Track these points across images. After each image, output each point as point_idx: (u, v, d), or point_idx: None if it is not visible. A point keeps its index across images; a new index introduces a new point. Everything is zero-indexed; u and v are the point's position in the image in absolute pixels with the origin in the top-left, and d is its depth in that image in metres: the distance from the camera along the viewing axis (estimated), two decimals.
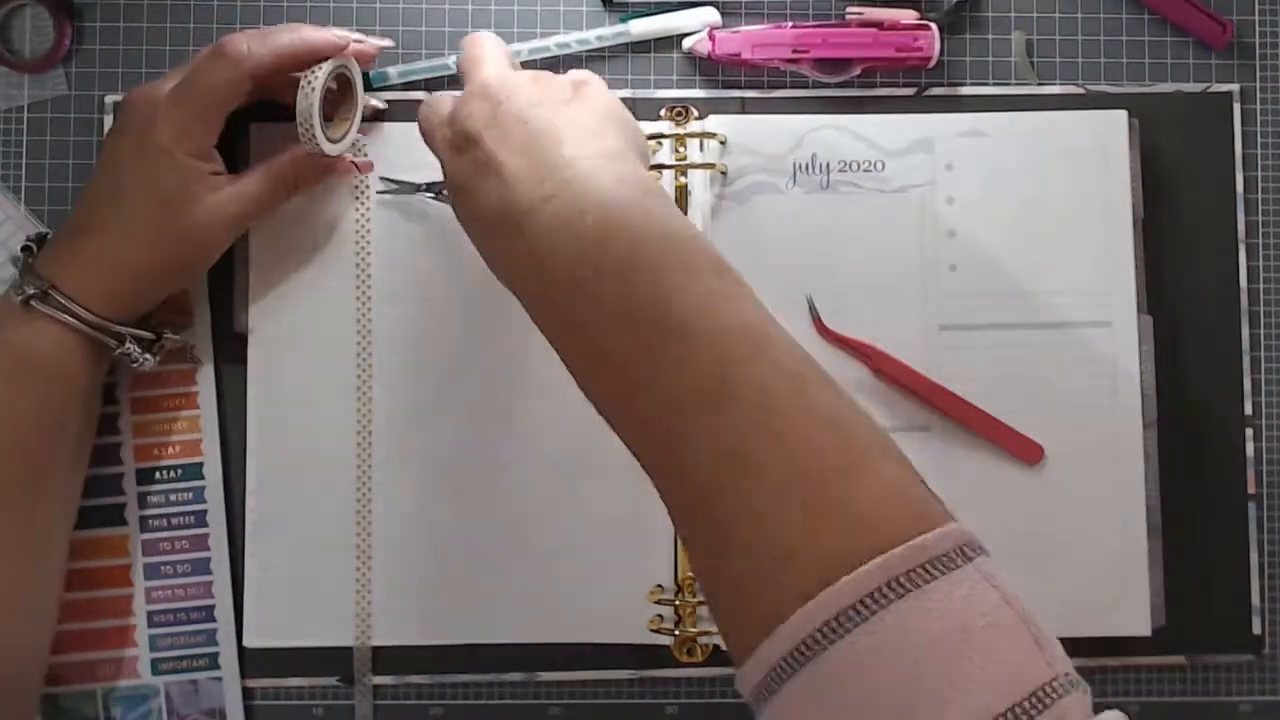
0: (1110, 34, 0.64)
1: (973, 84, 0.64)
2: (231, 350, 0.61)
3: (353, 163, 0.61)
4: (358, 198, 0.62)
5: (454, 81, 0.63)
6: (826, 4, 0.64)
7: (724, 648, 0.60)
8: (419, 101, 0.62)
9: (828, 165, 0.62)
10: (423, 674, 0.61)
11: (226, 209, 0.56)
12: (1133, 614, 0.61)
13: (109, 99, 0.62)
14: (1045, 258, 0.62)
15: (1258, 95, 0.64)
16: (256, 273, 0.61)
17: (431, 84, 0.63)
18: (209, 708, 0.60)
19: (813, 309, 0.61)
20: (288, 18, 0.63)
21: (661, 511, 0.61)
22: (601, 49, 0.63)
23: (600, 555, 0.61)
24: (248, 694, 0.61)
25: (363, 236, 0.61)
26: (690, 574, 0.61)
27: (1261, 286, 0.64)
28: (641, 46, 0.64)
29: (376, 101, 0.62)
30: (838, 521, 0.39)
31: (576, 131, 0.47)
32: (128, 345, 0.56)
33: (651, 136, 0.61)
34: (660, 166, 0.61)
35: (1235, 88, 0.64)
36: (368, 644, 0.60)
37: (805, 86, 0.64)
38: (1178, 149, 0.64)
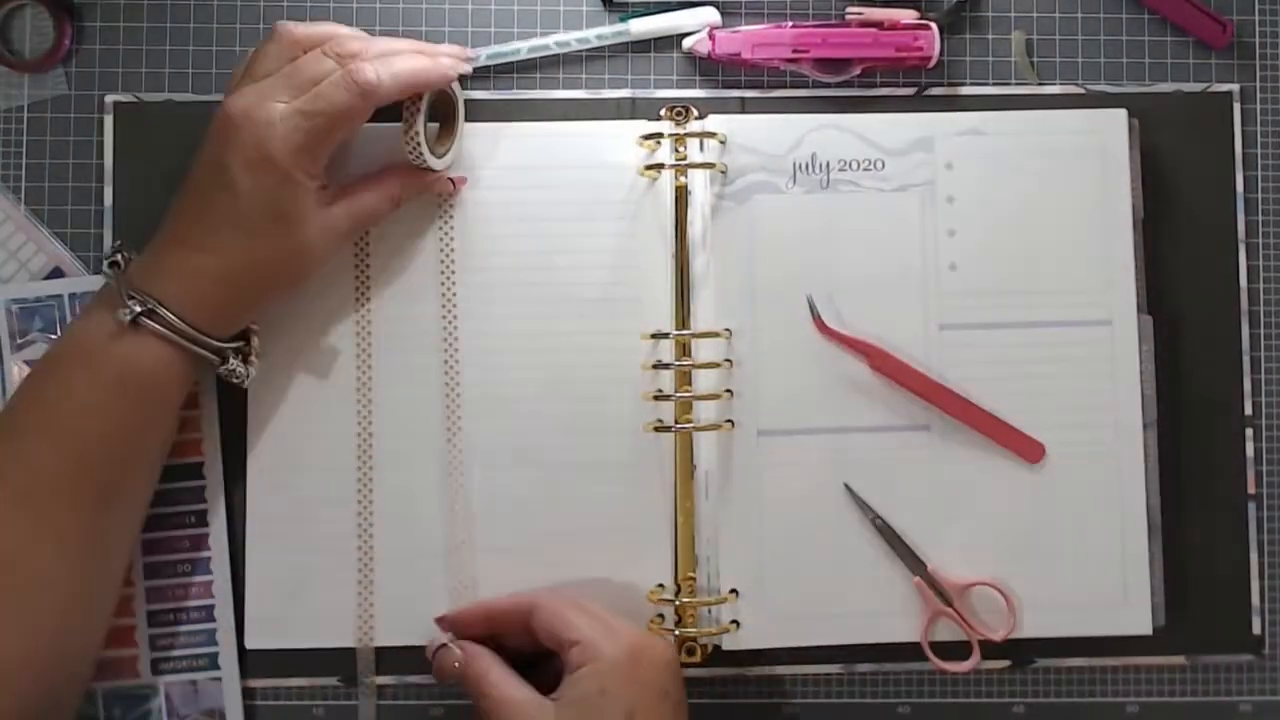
0: (1110, 34, 0.65)
1: (973, 84, 0.64)
2: None
3: (449, 179, 0.61)
4: None
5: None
6: (826, 4, 0.64)
7: (724, 647, 0.60)
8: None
9: (828, 164, 0.62)
10: (423, 674, 0.61)
11: (339, 226, 0.57)
12: (1133, 614, 0.61)
13: (109, 99, 0.62)
14: (1045, 257, 0.62)
15: (1258, 95, 0.65)
16: None
17: None
18: (209, 708, 0.60)
19: (813, 308, 0.61)
20: (287, 17, 0.63)
21: (661, 511, 0.61)
22: (601, 48, 0.63)
23: (600, 555, 0.61)
24: (248, 694, 0.61)
25: (363, 237, 0.61)
26: (690, 574, 0.61)
27: (1261, 286, 0.64)
28: (641, 46, 0.64)
29: None
30: None
31: None
32: (231, 363, 0.56)
33: (651, 136, 0.61)
34: (660, 166, 0.61)
35: (1235, 88, 0.64)
36: (370, 644, 0.60)
37: (805, 86, 0.64)
38: (1178, 149, 0.64)
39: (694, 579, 0.61)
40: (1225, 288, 0.64)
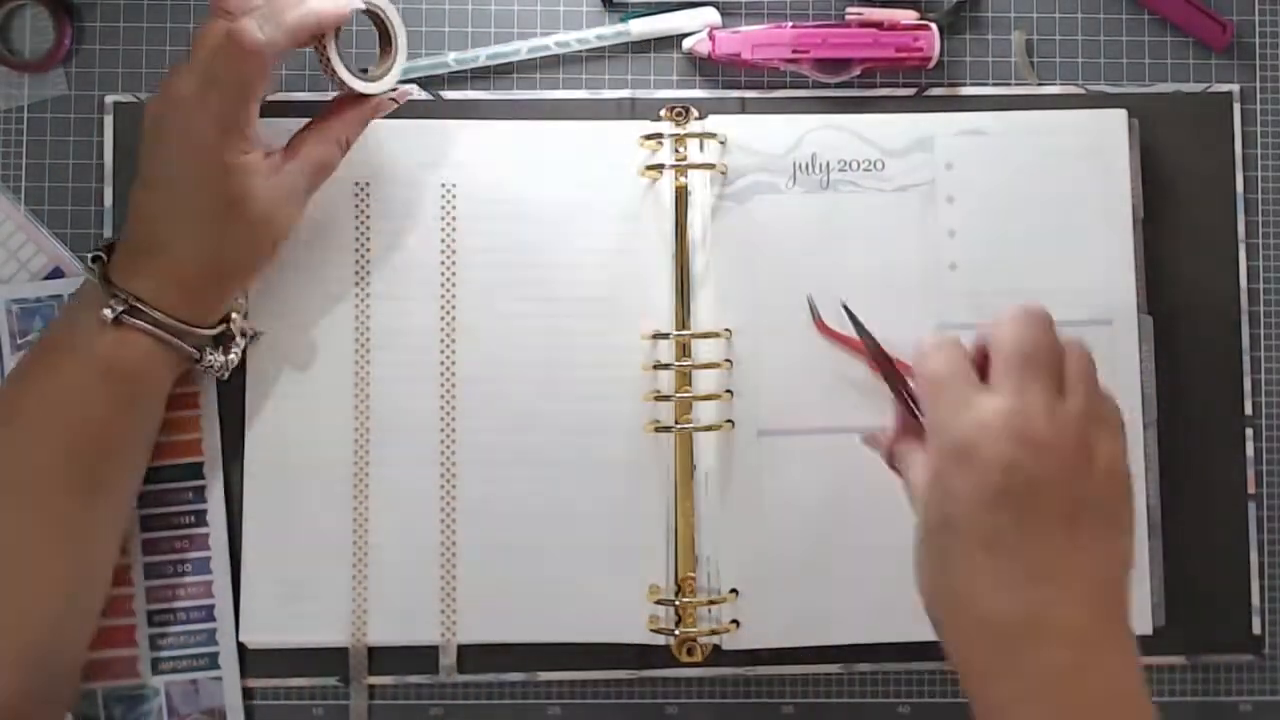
0: (1110, 34, 0.65)
1: (973, 84, 0.64)
2: None
3: (391, 98, 0.58)
4: (358, 195, 0.62)
5: (455, 79, 0.63)
6: (826, 3, 0.64)
7: (724, 647, 0.60)
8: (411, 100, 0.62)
9: (828, 165, 0.62)
10: (422, 674, 0.61)
11: (296, 186, 0.56)
12: (1133, 614, 0.61)
13: (109, 99, 0.62)
14: (1045, 257, 0.62)
15: (1258, 95, 0.65)
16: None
17: (431, 81, 0.63)
18: (209, 707, 0.60)
19: (813, 308, 0.61)
20: None
21: (661, 511, 0.61)
22: (601, 49, 0.63)
23: (600, 555, 0.61)
24: (248, 694, 0.61)
25: (362, 234, 0.61)
26: (690, 573, 0.61)
27: (1261, 286, 0.64)
28: (641, 46, 0.64)
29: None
30: None
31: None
32: (208, 357, 0.57)
33: (651, 136, 0.61)
34: (660, 166, 0.61)
35: (1235, 88, 0.64)
36: (363, 644, 0.60)
37: (805, 86, 0.64)
38: (1178, 149, 0.64)
39: (694, 579, 0.61)
40: (1225, 288, 0.64)
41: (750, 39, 0.62)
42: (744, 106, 0.63)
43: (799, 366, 0.61)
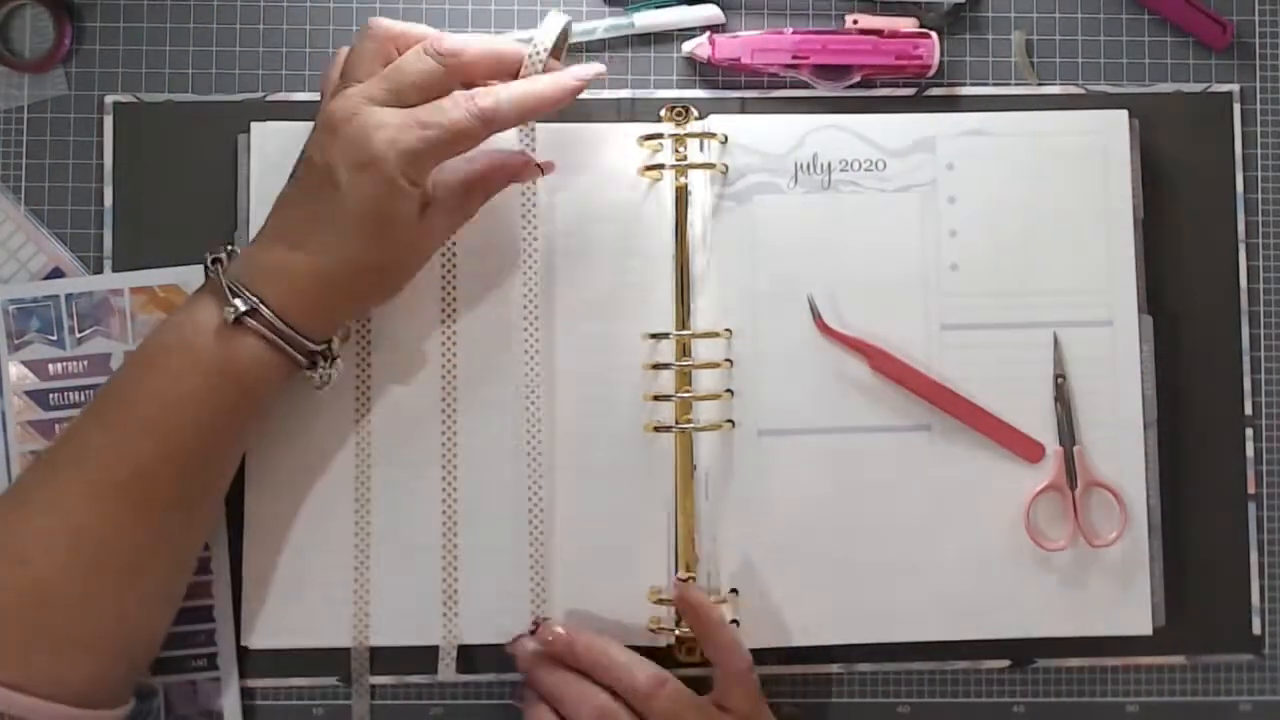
0: (1110, 34, 0.65)
1: (973, 84, 0.64)
2: None
3: (537, 165, 0.60)
4: None
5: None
6: (826, 4, 0.64)
7: None
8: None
9: (829, 165, 0.62)
10: (422, 674, 0.61)
11: (438, 229, 0.57)
12: (1133, 614, 0.61)
13: (109, 99, 0.62)
14: (1046, 257, 0.62)
15: (1258, 95, 0.65)
16: None
17: None
18: (207, 708, 0.60)
19: (813, 308, 0.61)
20: (286, 16, 0.63)
21: (661, 511, 0.61)
22: (602, 49, 0.63)
23: (600, 555, 0.61)
24: (248, 694, 0.61)
25: None
26: (690, 574, 0.60)
27: (1261, 286, 0.64)
28: (642, 46, 0.64)
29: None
30: None
31: None
32: (320, 368, 0.56)
33: (652, 136, 0.61)
34: (661, 166, 0.61)
35: (1235, 88, 0.64)
36: (365, 644, 0.60)
37: (805, 87, 0.64)
38: (1178, 149, 0.64)
39: (694, 579, 0.61)
40: (1225, 288, 0.64)
41: (750, 44, 0.62)
42: (744, 107, 0.63)
43: (799, 366, 0.61)
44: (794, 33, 0.62)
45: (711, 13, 0.63)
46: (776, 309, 0.61)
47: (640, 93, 0.63)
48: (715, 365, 0.61)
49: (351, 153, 0.52)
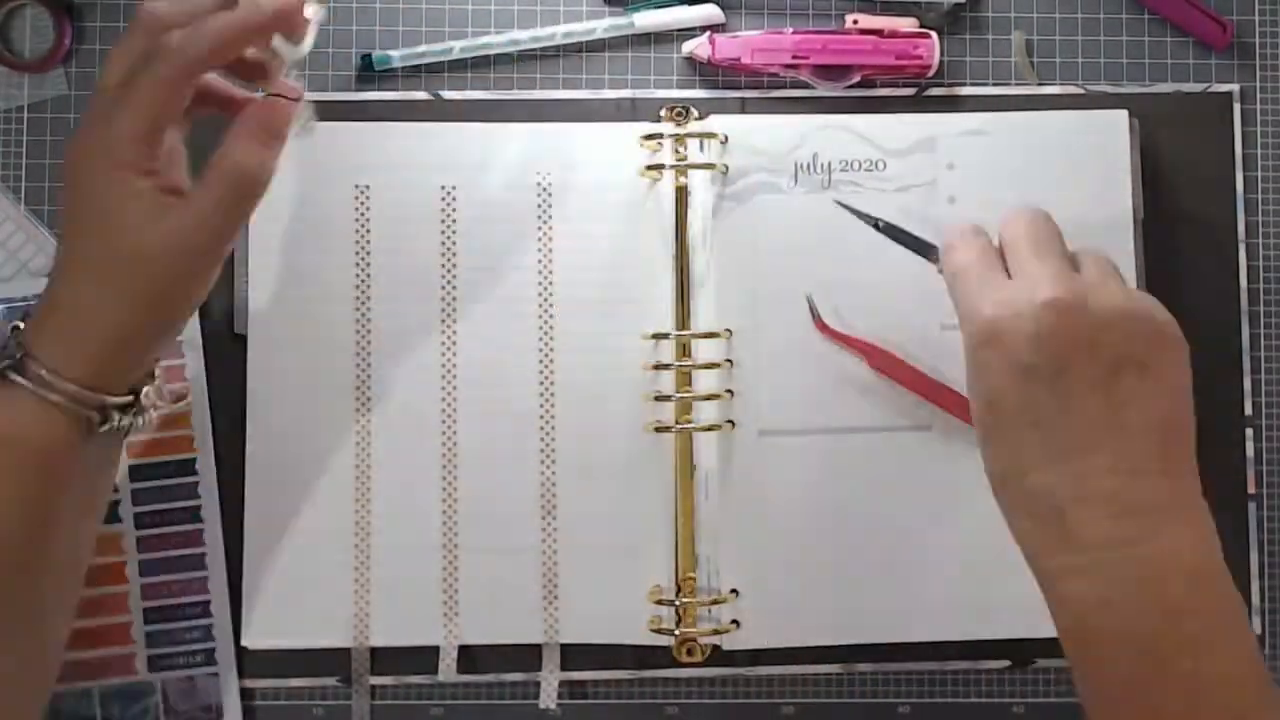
0: (1110, 34, 0.65)
1: (973, 84, 0.64)
2: (231, 351, 0.61)
3: (283, 96, 0.51)
4: (358, 197, 0.62)
5: (455, 80, 0.63)
6: (826, 4, 0.64)
7: (724, 647, 0.60)
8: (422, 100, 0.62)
9: (829, 165, 0.62)
10: (422, 674, 0.61)
11: (191, 237, 0.48)
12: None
13: None
14: None
15: (1258, 95, 0.65)
16: (255, 274, 0.61)
17: (432, 69, 0.63)
18: (206, 704, 0.60)
19: (813, 308, 0.61)
20: None
21: (661, 511, 0.61)
22: (602, 49, 0.63)
23: (600, 555, 0.61)
24: (248, 694, 0.61)
25: (363, 236, 0.61)
26: (690, 574, 0.60)
27: (1261, 286, 0.64)
28: (642, 46, 0.64)
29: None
30: None
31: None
32: (114, 421, 0.50)
33: (652, 136, 0.61)
34: (661, 167, 0.61)
35: (1235, 88, 0.64)
36: (365, 644, 0.60)
37: (806, 86, 0.64)
38: (1178, 149, 0.64)
39: (694, 579, 0.60)
40: (1225, 288, 0.64)
41: (750, 44, 0.62)
42: (744, 107, 0.63)
43: (799, 366, 0.61)
44: (794, 33, 0.62)
45: (711, 13, 0.63)
46: (776, 309, 0.61)
47: (640, 93, 0.63)
48: (715, 365, 0.61)
49: (75, 154, 0.48)
